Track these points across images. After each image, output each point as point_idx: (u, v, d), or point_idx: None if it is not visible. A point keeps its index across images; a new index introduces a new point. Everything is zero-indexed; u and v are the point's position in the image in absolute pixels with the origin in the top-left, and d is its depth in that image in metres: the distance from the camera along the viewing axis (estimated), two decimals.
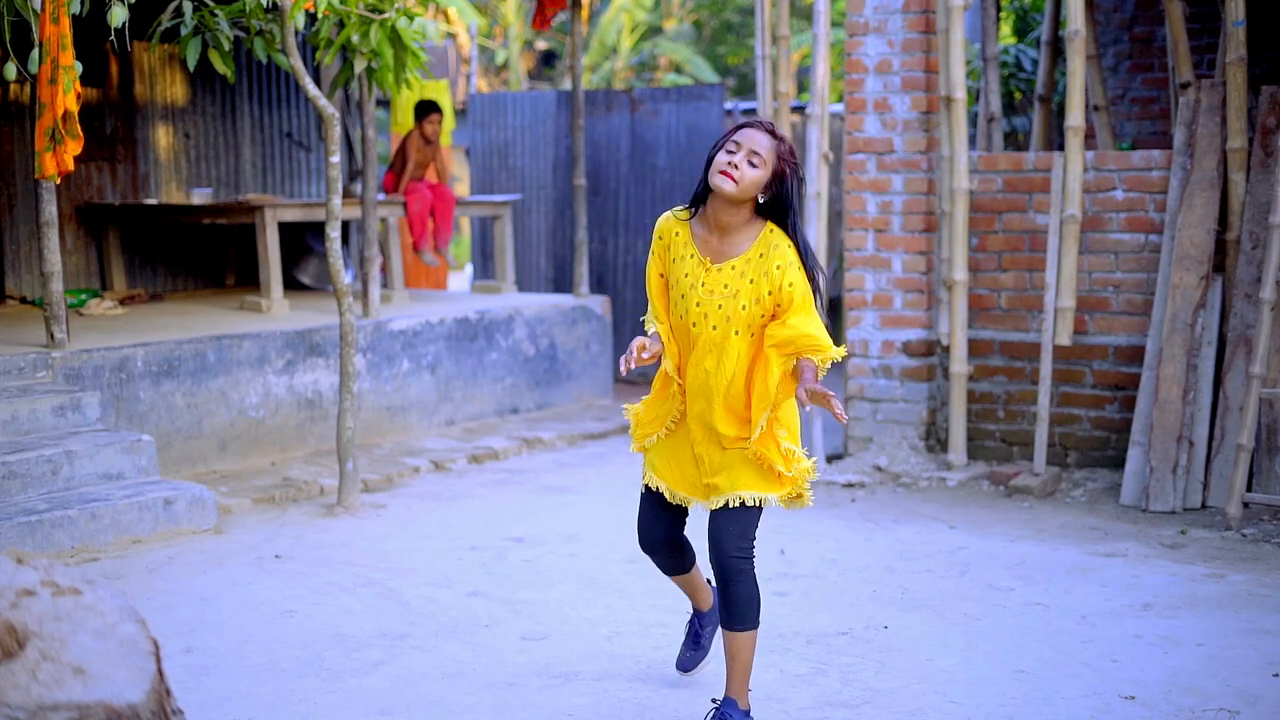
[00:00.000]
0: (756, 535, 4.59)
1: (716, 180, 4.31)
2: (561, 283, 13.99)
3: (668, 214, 4.56)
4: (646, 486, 4.74)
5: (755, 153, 4.31)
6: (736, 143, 4.32)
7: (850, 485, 8.43)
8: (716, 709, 4.60)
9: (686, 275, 4.43)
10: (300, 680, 5.22)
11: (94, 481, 7.36)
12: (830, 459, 8.99)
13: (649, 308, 4.63)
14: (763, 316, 4.39)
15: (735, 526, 4.50)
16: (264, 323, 9.45)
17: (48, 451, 7.25)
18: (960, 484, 8.38)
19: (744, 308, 4.38)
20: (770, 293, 4.35)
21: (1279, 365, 7.78)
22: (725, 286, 4.39)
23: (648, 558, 4.92)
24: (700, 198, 4.45)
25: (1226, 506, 7.47)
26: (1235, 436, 7.64)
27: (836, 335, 5.95)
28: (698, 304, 4.41)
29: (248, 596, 6.28)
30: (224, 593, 6.33)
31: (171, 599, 6.21)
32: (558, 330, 11.08)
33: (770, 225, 4.42)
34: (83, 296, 10.25)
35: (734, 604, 4.50)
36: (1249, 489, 7.63)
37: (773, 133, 4.36)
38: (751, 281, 4.37)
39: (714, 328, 4.40)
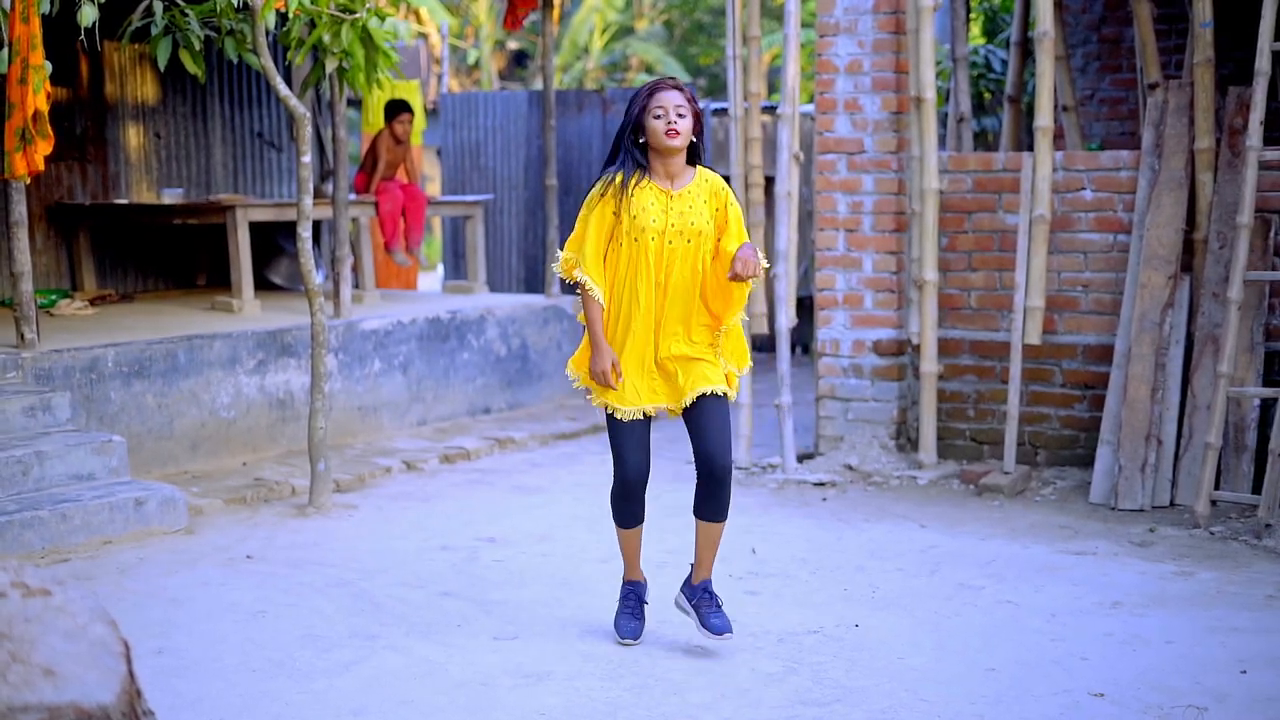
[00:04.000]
0: None
1: (667, 141, 5.12)
2: (533, 283, 14.00)
3: (614, 173, 5.25)
4: (620, 421, 5.32)
5: (679, 106, 5.13)
6: (662, 106, 5.12)
7: (821, 484, 8.45)
8: (708, 592, 5.46)
9: (653, 203, 5.20)
10: (272, 681, 5.21)
11: (64, 482, 7.33)
12: (801, 458, 9.01)
13: (580, 261, 5.26)
14: (712, 228, 5.26)
15: (721, 424, 5.27)
16: (235, 323, 9.43)
17: (17, 452, 7.22)
18: (931, 483, 8.41)
19: (707, 221, 5.25)
20: (719, 209, 5.26)
21: (1246, 364, 7.83)
22: (690, 207, 5.22)
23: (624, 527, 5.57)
24: (636, 161, 5.21)
25: (1195, 505, 7.52)
26: (1203, 435, 7.69)
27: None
28: (672, 224, 5.20)
29: (219, 597, 6.26)
30: (195, 593, 6.32)
31: (142, 600, 6.19)
32: (530, 330, 11.08)
33: (699, 167, 5.30)
34: (53, 297, 10.21)
35: (721, 500, 5.33)
36: (1217, 487, 7.68)
37: (678, 87, 5.18)
38: (705, 201, 5.25)
39: (688, 241, 5.21)
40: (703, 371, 5.29)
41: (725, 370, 5.38)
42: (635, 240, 5.22)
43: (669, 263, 5.23)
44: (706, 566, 5.47)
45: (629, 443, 5.36)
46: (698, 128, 5.23)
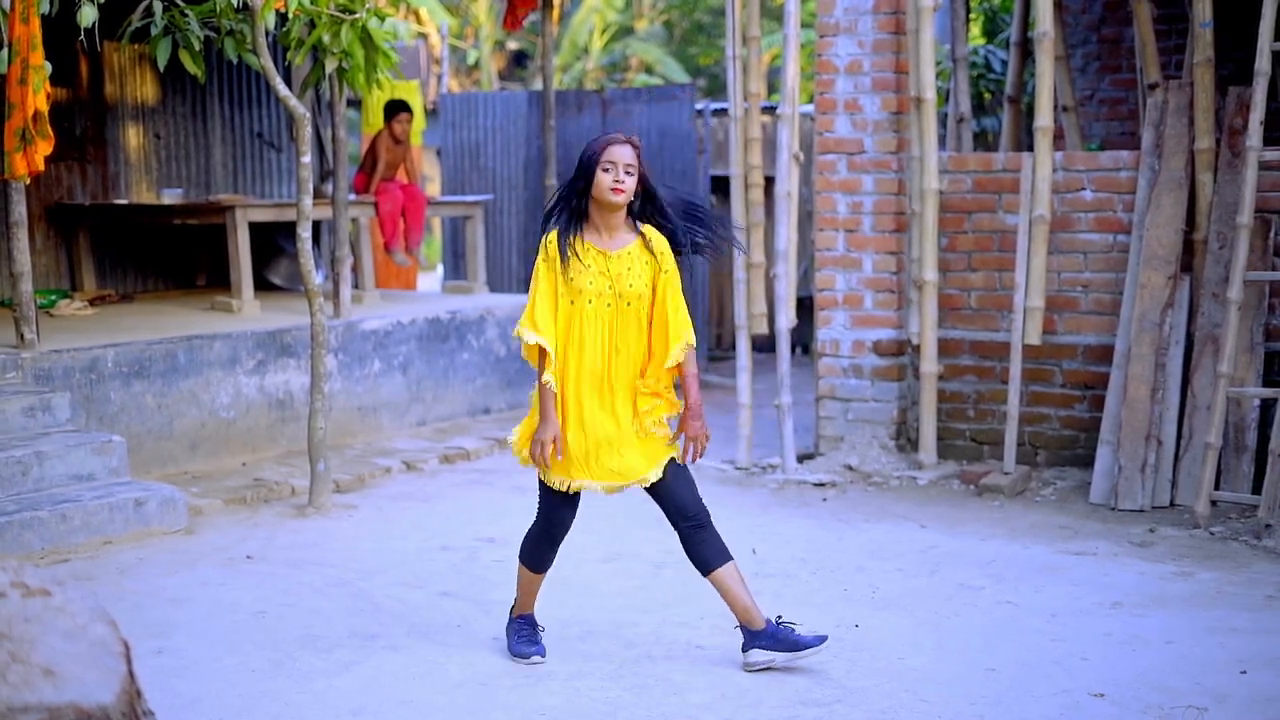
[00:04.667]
0: None
1: (611, 197, 5.08)
2: None
3: (552, 235, 5.19)
4: (563, 492, 5.25)
5: (629, 164, 5.09)
6: (611, 162, 5.08)
7: (821, 485, 8.45)
8: (775, 626, 5.23)
9: (589, 266, 5.14)
10: (272, 681, 5.21)
11: (64, 482, 7.33)
12: (801, 458, 9.00)
13: (534, 317, 5.17)
14: (652, 290, 5.20)
15: (685, 485, 5.22)
16: (235, 323, 9.43)
17: (17, 452, 7.21)
18: (931, 483, 8.41)
19: (646, 284, 5.18)
20: (656, 273, 5.19)
21: (1246, 364, 7.83)
22: (628, 269, 5.17)
23: (540, 568, 5.47)
24: (576, 212, 5.17)
25: (1195, 505, 7.52)
26: (1203, 435, 7.68)
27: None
28: (610, 286, 5.15)
29: (219, 597, 6.26)
30: (195, 594, 6.32)
31: (142, 600, 6.19)
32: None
33: (646, 226, 5.24)
34: (52, 297, 10.21)
35: (714, 545, 5.22)
36: (1217, 487, 7.68)
37: (631, 143, 5.13)
38: (645, 264, 5.18)
39: (628, 304, 5.16)
40: (657, 448, 5.20)
41: (670, 435, 5.24)
42: (572, 303, 5.16)
43: (613, 326, 5.17)
44: (752, 610, 5.25)
45: (560, 507, 5.32)
46: (645, 188, 5.17)
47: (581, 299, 5.15)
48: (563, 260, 5.13)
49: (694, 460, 5.23)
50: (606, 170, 5.09)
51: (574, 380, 5.20)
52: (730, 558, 5.24)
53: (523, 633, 5.52)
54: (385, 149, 11.39)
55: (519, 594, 5.55)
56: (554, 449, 5.15)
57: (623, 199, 5.10)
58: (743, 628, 5.28)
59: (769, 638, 5.22)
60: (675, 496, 5.20)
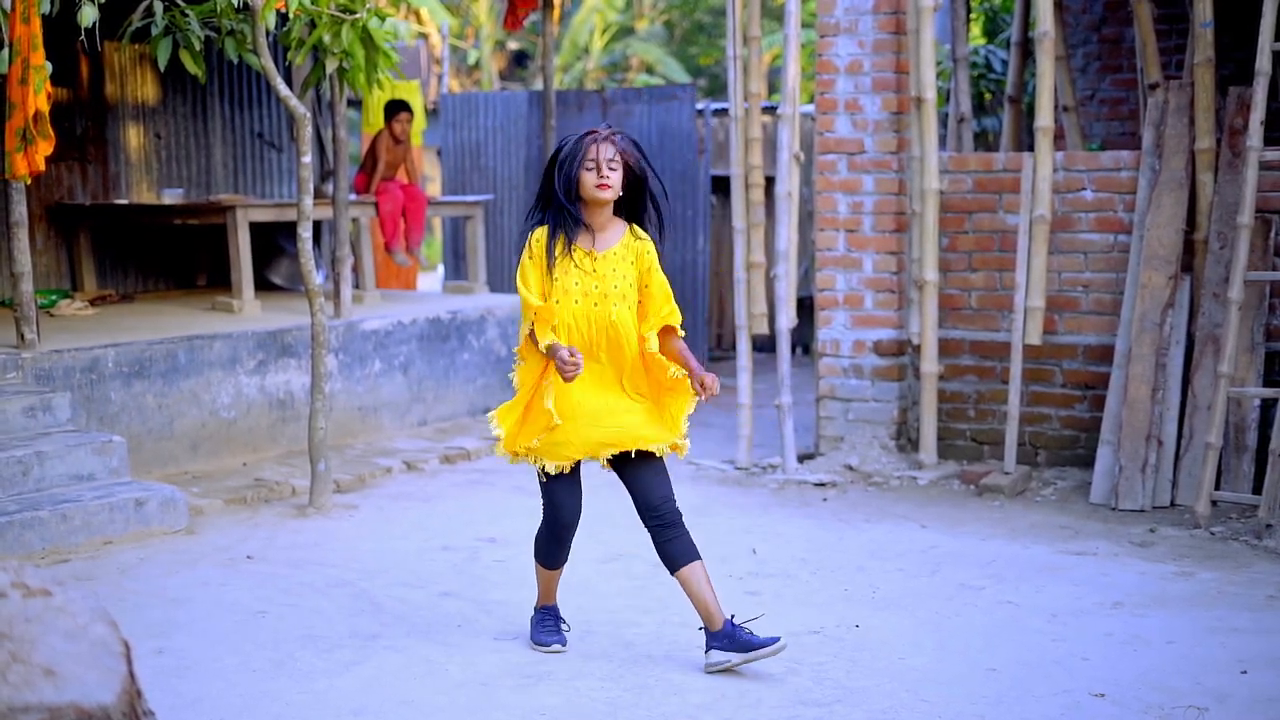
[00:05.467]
0: None
1: (596, 194, 5.05)
2: None
3: (539, 231, 5.18)
4: (557, 473, 5.21)
5: (611, 160, 5.05)
6: (594, 160, 5.05)
7: (822, 485, 8.45)
8: (734, 627, 5.19)
9: (576, 266, 5.13)
10: (272, 681, 5.21)
11: (65, 482, 7.33)
12: (801, 458, 9.01)
13: (530, 312, 5.15)
14: (638, 290, 5.21)
15: (661, 479, 5.20)
16: (235, 323, 9.43)
17: (18, 452, 7.22)
18: (931, 483, 8.41)
19: (630, 285, 5.18)
20: (644, 272, 5.20)
21: (1247, 364, 7.83)
22: (614, 270, 5.15)
23: (559, 557, 5.44)
24: (563, 210, 5.12)
25: (1195, 505, 7.52)
26: (1204, 435, 7.69)
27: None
28: (596, 286, 5.14)
29: (219, 597, 6.26)
30: (196, 594, 6.32)
31: (143, 600, 6.19)
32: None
33: (631, 226, 5.24)
34: (53, 297, 10.21)
35: (682, 543, 5.19)
36: (1217, 487, 7.68)
37: (612, 139, 5.09)
38: (630, 263, 5.18)
39: (614, 305, 5.14)
40: (653, 429, 5.19)
41: (666, 434, 5.21)
42: (557, 302, 5.14)
43: (601, 325, 5.15)
44: (714, 610, 5.21)
45: (562, 489, 5.27)
46: (636, 182, 5.15)
47: (568, 299, 5.14)
48: (549, 260, 5.12)
49: (709, 395, 5.10)
50: (589, 169, 5.06)
51: (559, 384, 5.16)
52: (698, 557, 5.20)
53: (545, 623, 5.55)
54: (385, 149, 11.39)
55: (539, 588, 5.58)
56: (574, 357, 4.97)
57: (609, 195, 5.08)
58: (705, 629, 5.26)
59: (725, 638, 5.19)
60: (649, 489, 5.18)
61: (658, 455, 5.20)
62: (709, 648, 5.24)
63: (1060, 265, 8.55)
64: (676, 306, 5.29)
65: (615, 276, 5.15)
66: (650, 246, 5.24)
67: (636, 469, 5.21)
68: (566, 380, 5.00)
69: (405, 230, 11.42)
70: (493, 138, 14.35)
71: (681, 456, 5.28)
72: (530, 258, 5.16)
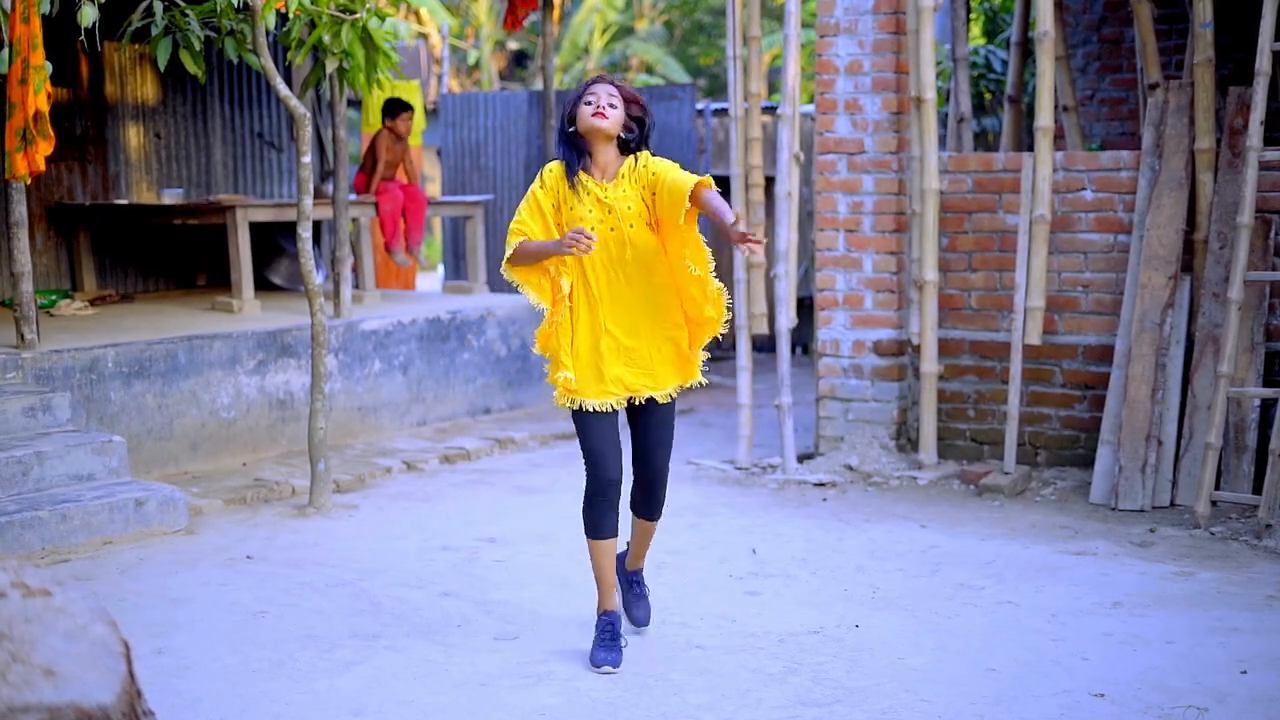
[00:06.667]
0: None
1: (593, 123, 5.20)
2: None
3: (552, 164, 5.36)
4: (587, 415, 5.31)
5: (610, 95, 5.25)
6: (593, 93, 5.25)
7: (821, 485, 8.45)
8: (636, 583, 5.76)
9: (589, 193, 5.26)
10: (272, 681, 5.22)
11: (64, 482, 7.33)
12: (801, 458, 9.01)
13: (515, 225, 5.29)
14: (650, 207, 5.27)
15: (664, 433, 5.42)
16: (235, 323, 9.43)
17: (17, 452, 7.22)
18: (931, 483, 8.41)
19: (637, 199, 5.26)
20: (649, 181, 5.24)
21: (1247, 364, 7.83)
22: (623, 193, 5.27)
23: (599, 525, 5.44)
24: (574, 150, 5.29)
25: (1195, 505, 7.52)
26: (1203, 435, 7.69)
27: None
28: (610, 211, 5.24)
29: (219, 597, 6.26)
30: (195, 594, 6.32)
31: (143, 600, 6.19)
32: (530, 330, 11.07)
33: (634, 155, 5.34)
34: (53, 297, 10.21)
35: (654, 500, 5.54)
36: (1217, 487, 7.68)
37: (613, 82, 5.33)
38: (632, 183, 5.27)
39: (630, 226, 5.24)
40: (666, 372, 5.36)
41: (710, 290, 5.28)
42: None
43: (619, 250, 5.25)
44: (639, 557, 5.71)
45: (598, 436, 5.32)
46: (639, 118, 5.30)
47: (595, 213, 5.25)
48: (570, 181, 5.26)
49: (750, 248, 4.89)
50: (588, 103, 5.23)
51: (585, 310, 5.29)
52: (656, 519, 5.60)
53: (603, 636, 5.40)
54: (385, 148, 11.39)
55: (596, 581, 5.50)
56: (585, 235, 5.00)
57: (607, 124, 5.20)
58: (620, 569, 5.73)
59: (629, 584, 5.78)
60: (651, 440, 5.40)
61: (672, 398, 5.39)
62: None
63: (1060, 265, 8.55)
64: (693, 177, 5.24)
65: (626, 199, 5.24)
66: (646, 154, 5.33)
67: (645, 412, 5.40)
68: (581, 253, 5.04)
69: (405, 230, 11.42)
70: (493, 138, 14.36)
71: (700, 384, 5.45)
72: (541, 186, 5.32)
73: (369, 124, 13.44)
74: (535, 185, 5.33)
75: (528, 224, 5.28)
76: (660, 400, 5.35)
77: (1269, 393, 7.58)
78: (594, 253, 5.15)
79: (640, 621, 5.70)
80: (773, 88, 23.39)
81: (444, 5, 24.89)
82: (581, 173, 5.28)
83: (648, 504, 5.54)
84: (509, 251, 5.28)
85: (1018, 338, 8.45)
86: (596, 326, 5.29)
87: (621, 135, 5.30)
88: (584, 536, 5.48)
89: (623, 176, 5.28)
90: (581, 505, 5.45)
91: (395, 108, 11.46)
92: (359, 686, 5.16)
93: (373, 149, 11.49)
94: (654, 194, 5.22)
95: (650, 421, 5.39)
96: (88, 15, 7.37)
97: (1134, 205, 8.36)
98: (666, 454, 5.44)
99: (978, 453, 8.88)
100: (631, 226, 5.24)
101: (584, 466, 5.43)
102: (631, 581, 5.74)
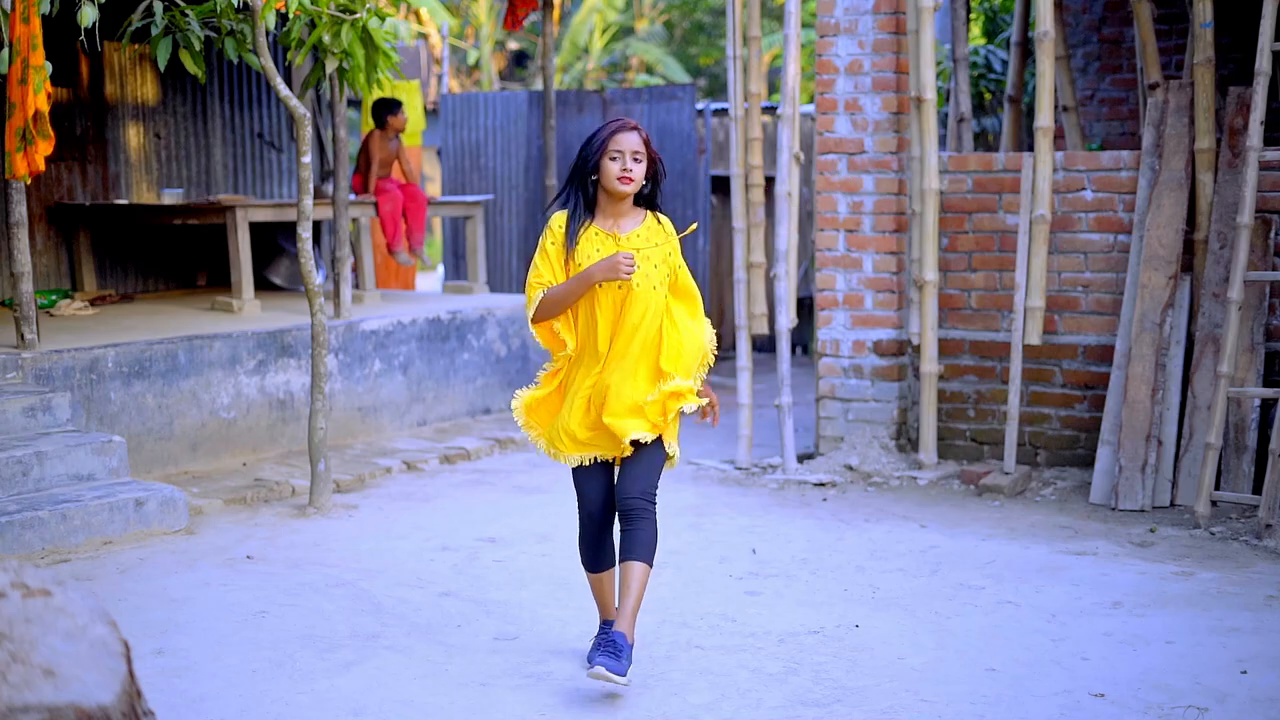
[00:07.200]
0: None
1: (619, 187, 5.00)
2: None
3: (559, 215, 5.15)
4: (580, 470, 5.17)
5: (636, 151, 5.01)
6: (619, 151, 5.00)
7: (821, 485, 8.45)
8: (607, 634, 5.05)
9: (598, 250, 5.05)
10: (272, 681, 5.22)
11: (64, 482, 7.33)
12: (801, 458, 9.01)
13: (534, 279, 5.12)
14: (668, 274, 5.12)
15: (645, 470, 5.08)
16: (235, 323, 9.43)
17: (17, 452, 7.22)
18: (931, 483, 8.41)
19: (656, 267, 5.08)
20: (669, 255, 5.12)
21: (1247, 364, 7.83)
22: (638, 252, 5.06)
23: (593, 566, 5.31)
24: (584, 198, 5.10)
25: (1195, 505, 7.52)
26: (1203, 435, 7.69)
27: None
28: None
29: (219, 598, 6.26)
30: (195, 594, 6.32)
31: (143, 600, 6.19)
32: (530, 331, 11.06)
33: (651, 212, 5.19)
34: (53, 297, 10.21)
35: (641, 539, 5.04)
36: (1217, 487, 7.68)
37: (637, 129, 5.06)
38: (656, 245, 5.10)
39: (636, 284, 5.02)
40: (635, 420, 5.04)
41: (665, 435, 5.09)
42: (602, 290, 5.07)
43: (624, 307, 5.05)
44: (626, 616, 5.04)
45: (582, 473, 5.19)
46: (654, 172, 5.11)
47: None
48: (569, 243, 5.04)
49: (714, 420, 5.14)
50: (614, 159, 4.99)
51: (584, 363, 5.13)
52: (647, 561, 5.06)
53: (600, 641, 5.14)
54: (377, 147, 11.38)
55: (596, 604, 5.43)
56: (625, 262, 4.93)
57: (631, 188, 5.02)
58: (602, 626, 5.26)
59: (602, 636, 5.09)
60: (631, 477, 5.06)
61: (651, 442, 5.07)
62: (598, 645, 5.05)
63: (1060, 265, 8.55)
64: (698, 340, 5.15)
65: (652, 259, 5.05)
66: (673, 229, 5.21)
67: (629, 456, 5.10)
68: (624, 276, 4.91)
69: (407, 230, 11.41)
70: (492, 138, 14.36)
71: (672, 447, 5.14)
72: (551, 242, 5.09)
73: (369, 124, 13.45)
74: (545, 239, 5.11)
75: (545, 276, 5.08)
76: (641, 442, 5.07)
77: (1269, 393, 7.58)
78: (596, 312, 5.05)
79: (610, 668, 4.92)
80: (773, 88, 23.39)
81: (444, 5, 24.88)
82: (592, 224, 5.09)
83: (629, 540, 5.05)
84: (531, 310, 5.10)
85: (1018, 338, 8.45)
86: (589, 383, 5.10)
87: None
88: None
89: (642, 234, 5.09)
90: (578, 540, 5.37)
91: (384, 109, 11.42)
92: (359, 686, 5.16)
93: (365, 149, 11.49)
94: (672, 268, 5.12)
95: (628, 461, 5.11)
96: (88, 15, 7.37)
97: (1134, 205, 8.36)
98: (648, 483, 5.08)
99: (978, 453, 8.88)
100: (638, 285, 5.02)
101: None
102: (604, 637, 5.10)
